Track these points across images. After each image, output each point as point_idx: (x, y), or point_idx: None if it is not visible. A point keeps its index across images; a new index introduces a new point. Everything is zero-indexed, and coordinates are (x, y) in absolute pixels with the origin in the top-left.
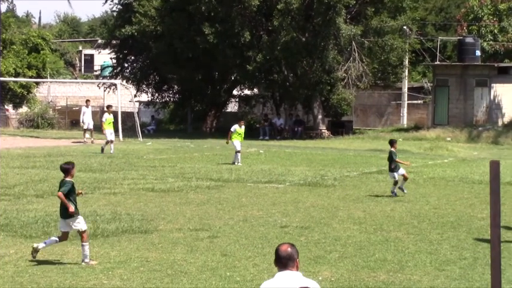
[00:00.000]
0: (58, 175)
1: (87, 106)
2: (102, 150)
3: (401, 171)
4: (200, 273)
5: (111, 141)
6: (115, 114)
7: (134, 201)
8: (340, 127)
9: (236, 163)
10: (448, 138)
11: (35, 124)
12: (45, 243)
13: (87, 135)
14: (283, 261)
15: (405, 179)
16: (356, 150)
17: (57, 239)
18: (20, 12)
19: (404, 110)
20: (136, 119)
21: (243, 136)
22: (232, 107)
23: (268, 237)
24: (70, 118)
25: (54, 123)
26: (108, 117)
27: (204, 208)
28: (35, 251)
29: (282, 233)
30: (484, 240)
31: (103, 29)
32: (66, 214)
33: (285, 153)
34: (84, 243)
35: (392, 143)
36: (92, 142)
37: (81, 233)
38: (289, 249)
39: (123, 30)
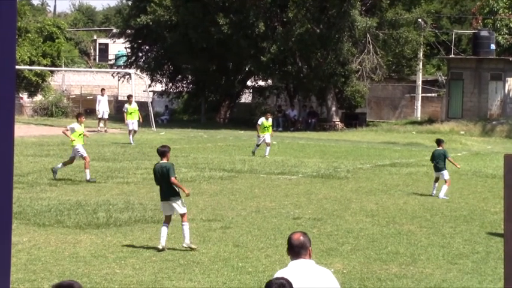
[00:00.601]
0: (72, 164)
1: (102, 95)
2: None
3: (447, 175)
4: (212, 264)
5: (134, 132)
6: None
7: (147, 191)
8: (353, 119)
9: (265, 155)
10: (462, 132)
11: (49, 113)
12: (162, 237)
13: (101, 124)
14: (295, 250)
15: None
16: (369, 142)
17: (166, 226)
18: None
19: (418, 103)
20: (150, 108)
21: (270, 129)
22: (246, 97)
23: (280, 229)
24: (84, 107)
25: (68, 111)
26: (129, 108)
27: (217, 199)
28: (162, 249)
29: (295, 225)
30: (497, 234)
31: (118, 18)
32: (172, 195)
33: (298, 145)
34: (184, 223)
35: (440, 142)
36: (106, 131)
37: (182, 215)
38: (301, 237)
39: (138, 19)
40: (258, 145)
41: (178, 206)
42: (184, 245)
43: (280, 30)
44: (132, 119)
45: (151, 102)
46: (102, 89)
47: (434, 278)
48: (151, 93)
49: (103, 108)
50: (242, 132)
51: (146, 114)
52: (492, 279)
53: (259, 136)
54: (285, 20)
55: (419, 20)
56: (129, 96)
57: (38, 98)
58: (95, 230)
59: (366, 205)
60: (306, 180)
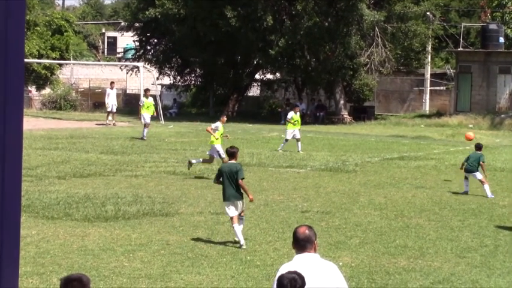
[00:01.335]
0: (80, 157)
1: (111, 88)
2: (144, 136)
3: (480, 175)
4: (220, 257)
5: (147, 125)
6: (133, 97)
7: (155, 184)
8: (362, 112)
9: (298, 150)
10: (470, 125)
11: (58, 106)
12: (240, 236)
13: (110, 117)
14: (301, 244)
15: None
16: (378, 136)
17: (236, 224)
18: None
19: (427, 96)
20: (159, 102)
21: (299, 122)
22: (254, 91)
23: (288, 222)
24: (92, 100)
25: (76, 105)
26: (146, 101)
27: None
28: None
29: (303, 218)
30: (505, 227)
31: (126, 11)
32: (239, 196)
33: (306, 138)
34: (235, 224)
35: (480, 147)
36: (114, 124)
37: (239, 215)
38: (307, 231)
39: (146, 12)
40: (286, 140)
41: (240, 207)
42: (242, 245)
43: (289, 24)
44: (148, 113)
45: (160, 96)
46: (112, 82)
47: (443, 271)
48: (159, 87)
49: (112, 101)
50: (250, 125)
51: (154, 107)
52: (501, 272)
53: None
54: (293, 13)
55: (428, 13)
56: (146, 90)
57: (47, 91)
58: (104, 223)
59: (374, 198)
60: (315, 173)
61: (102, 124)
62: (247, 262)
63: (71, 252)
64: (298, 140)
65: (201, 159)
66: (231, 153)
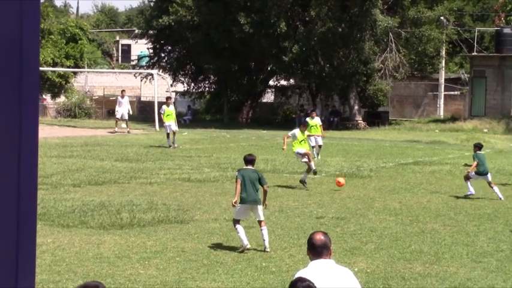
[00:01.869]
0: (95, 164)
1: (122, 96)
2: (170, 145)
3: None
4: (236, 264)
5: (173, 132)
6: (147, 104)
7: (170, 191)
8: (376, 118)
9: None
10: (485, 130)
11: (72, 114)
12: (243, 236)
13: (123, 125)
14: (318, 250)
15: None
16: (392, 141)
17: (240, 225)
18: (58, 2)
19: (441, 101)
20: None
21: (317, 128)
22: (269, 97)
23: (304, 228)
24: (107, 108)
25: (91, 113)
26: (166, 109)
27: None
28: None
29: (318, 224)
30: None
31: (140, 19)
32: (258, 200)
33: None
34: (263, 228)
35: (481, 147)
36: (128, 132)
37: (260, 221)
38: (323, 237)
39: (160, 20)
40: (313, 147)
41: (261, 212)
42: (267, 249)
43: (302, 30)
44: (169, 121)
45: (174, 103)
46: (123, 91)
47: (459, 276)
48: (173, 94)
49: (123, 109)
50: (265, 131)
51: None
52: None
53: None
54: (306, 19)
55: (442, 18)
56: (168, 98)
57: (61, 99)
58: (119, 230)
59: (389, 204)
60: (329, 179)
61: (113, 132)
62: (263, 269)
63: (86, 260)
64: (318, 146)
65: (307, 175)
66: (250, 160)
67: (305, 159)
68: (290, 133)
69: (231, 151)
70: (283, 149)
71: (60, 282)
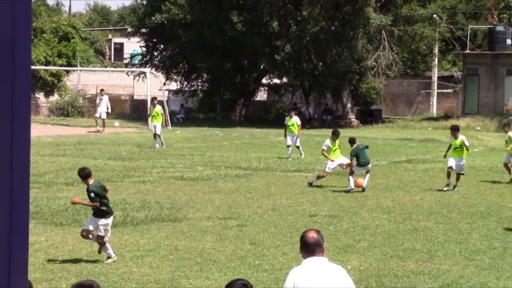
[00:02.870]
0: (87, 163)
1: (101, 95)
2: (156, 146)
3: None
4: (229, 262)
5: (155, 135)
6: (140, 103)
7: (163, 190)
8: (369, 116)
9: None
10: (478, 128)
11: (65, 112)
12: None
13: (116, 123)
14: (311, 248)
15: None
16: (385, 139)
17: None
18: (51, 1)
19: (434, 99)
20: (166, 107)
21: (294, 128)
22: (262, 95)
23: (297, 226)
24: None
25: (84, 111)
26: (152, 110)
27: (233, 197)
28: None
29: (311, 222)
30: None
31: (133, 17)
32: None
33: (314, 142)
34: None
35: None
36: (102, 131)
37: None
38: (315, 235)
39: (152, 18)
40: (288, 146)
41: (100, 227)
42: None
43: (295, 29)
44: (155, 122)
45: (167, 101)
46: (102, 90)
47: (452, 274)
48: (166, 92)
49: (101, 109)
50: (258, 130)
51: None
52: (510, 274)
53: (285, 136)
54: (299, 18)
55: (435, 15)
56: (153, 99)
57: (54, 97)
58: (112, 229)
59: (382, 202)
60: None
61: (94, 132)
62: (256, 267)
63: (79, 258)
64: (291, 146)
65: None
66: (84, 175)
67: (342, 164)
68: (324, 146)
69: (224, 149)
70: (332, 160)
71: (53, 280)
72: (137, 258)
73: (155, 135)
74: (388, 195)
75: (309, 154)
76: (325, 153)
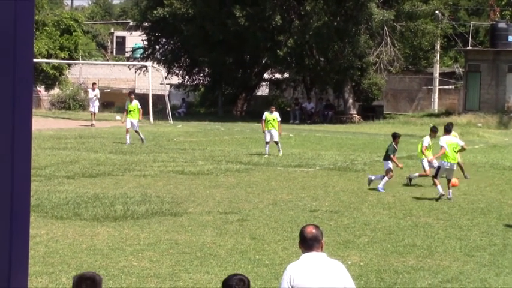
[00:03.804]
0: (88, 156)
1: (93, 89)
2: (142, 140)
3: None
4: (229, 256)
5: (127, 130)
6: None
7: (164, 184)
8: (370, 112)
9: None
10: (479, 124)
11: (67, 106)
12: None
13: (117, 117)
14: (309, 243)
15: None
16: (386, 135)
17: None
18: None
19: (436, 95)
20: (167, 101)
21: (274, 123)
22: (263, 90)
23: (297, 221)
24: (101, 100)
25: (85, 105)
26: (129, 105)
27: (234, 191)
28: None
29: (312, 217)
30: None
31: (135, 11)
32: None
33: (315, 138)
34: None
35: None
36: (92, 125)
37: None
38: (314, 230)
39: (155, 12)
40: (267, 142)
41: None
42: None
43: (297, 23)
44: (131, 118)
45: (168, 95)
46: (93, 83)
47: (452, 270)
48: (168, 86)
49: (92, 102)
50: (259, 125)
51: (163, 107)
52: (510, 271)
53: (263, 131)
54: (302, 13)
55: (437, 12)
56: (130, 93)
57: (56, 91)
58: (112, 222)
59: (382, 197)
60: (323, 172)
61: (88, 126)
62: (256, 261)
63: (80, 251)
64: (276, 142)
65: (416, 174)
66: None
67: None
68: (426, 143)
69: (226, 144)
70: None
71: (53, 273)
72: (137, 252)
73: (128, 130)
74: (388, 191)
75: (310, 149)
76: (424, 151)
